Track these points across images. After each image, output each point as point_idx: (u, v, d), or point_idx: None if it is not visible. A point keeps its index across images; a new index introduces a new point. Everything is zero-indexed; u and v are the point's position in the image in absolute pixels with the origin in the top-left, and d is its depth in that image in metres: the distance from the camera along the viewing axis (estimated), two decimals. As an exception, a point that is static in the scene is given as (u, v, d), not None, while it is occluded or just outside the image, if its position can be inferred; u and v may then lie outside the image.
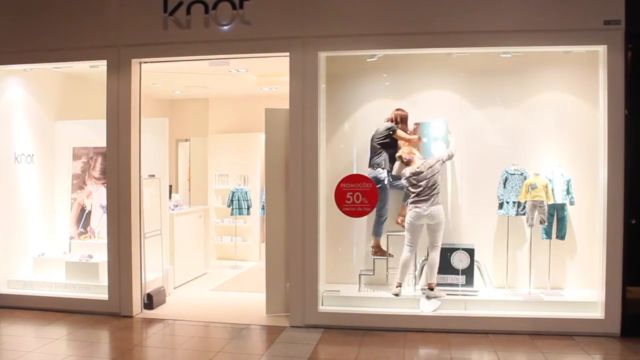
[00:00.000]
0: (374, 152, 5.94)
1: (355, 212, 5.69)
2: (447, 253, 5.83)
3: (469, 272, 5.81)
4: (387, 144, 5.89)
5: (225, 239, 9.63)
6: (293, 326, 5.64)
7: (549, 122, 5.99)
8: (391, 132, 5.86)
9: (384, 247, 6.02)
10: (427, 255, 5.73)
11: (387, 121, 5.95)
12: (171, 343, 5.36)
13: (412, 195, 5.63)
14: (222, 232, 9.73)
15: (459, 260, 5.82)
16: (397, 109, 5.99)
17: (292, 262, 5.72)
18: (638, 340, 5.15)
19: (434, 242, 5.62)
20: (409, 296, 5.74)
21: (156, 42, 5.89)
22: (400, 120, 5.95)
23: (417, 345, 5.12)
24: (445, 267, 5.81)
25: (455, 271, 5.82)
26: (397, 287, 5.65)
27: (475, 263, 5.85)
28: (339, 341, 5.26)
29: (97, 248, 6.70)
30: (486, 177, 6.00)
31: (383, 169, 5.87)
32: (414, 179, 5.61)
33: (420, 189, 5.58)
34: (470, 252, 5.83)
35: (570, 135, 5.92)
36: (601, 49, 5.32)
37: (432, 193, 5.56)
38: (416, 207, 5.59)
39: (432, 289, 5.57)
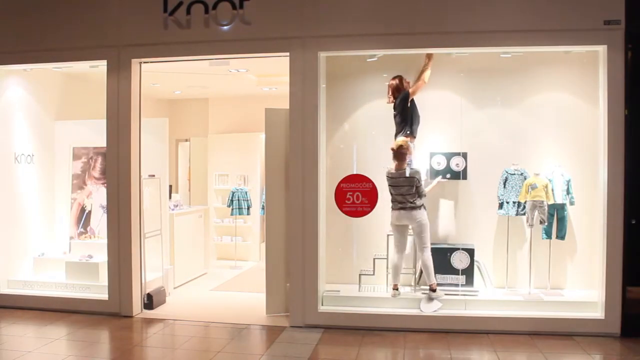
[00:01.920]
0: (398, 126, 5.78)
1: (355, 212, 5.69)
2: (447, 253, 5.83)
3: (469, 272, 5.81)
4: (406, 112, 5.72)
5: (225, 239, 9.63)
6: (293, 326, 5.64)
7: (549, 122, 5.98)
8: (408, 99, 5.69)
9: None
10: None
11: (390, 97, 5.80)
12: (171, 343, 5.36)
13: (391, 196, 5.65)
14: (222, 232, 9.73)
15: (459, 260, 5.82)
16: (392, 78, 5.82)
17: (292, 262, 5.71)
18: (638, 340, 5.15)
19: (421, 243, 5.60)
20: (409, 296, 5.75)
21: (156, 42, 5.89)
22: (395, 90, 5.77)
23: (417, 345, 5.12)
24: (445, 267, 5.81)
25: (455, 271, 5.81)
26: (393, 289, 5.66)
27: (475, 263, 5.85)
28: (339, 341, 5.26)
29: (97, 248, 6.70)
30: (486, 177, 5.99)
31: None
32: (391, 182, 5.64)
33: (396, 194, 5.60)
34: (470, 252, 5.83)
35: (570, 135, 5.92)
36: (601, 49, 5.32)
37: (408, 200, 5.55)
38: (395, 208, 5.63)
39: (434, 290, 5.56)
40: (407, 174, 5.57)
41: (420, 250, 5.64)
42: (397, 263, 5.70)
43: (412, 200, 5.55)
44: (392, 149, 5.62)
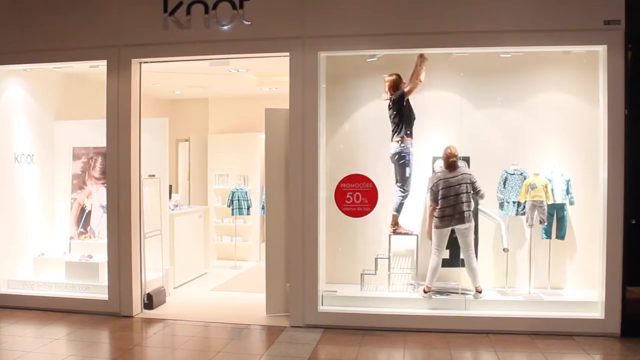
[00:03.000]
0: (396, 126, 5.77)
1: (355, 212, 5.69)
2: None
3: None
4: (403, 112, 5.72)
5: (225, 239, 9.63)
6: (293, 326, 5.63)
7: (549, 122, 5.99)
8: (404, 98, 5.69)
9: (403, 225, 5.92)
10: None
11: (386, 93, 5.81)
12: (171, 343, 5.36)
13: (441, 201, 5.64)
14: (222, 232, 9.73)
15: None
16: (389, 75, 5.82)
17: (292, 262, 5.71)
18: (638, 340, 5.15)
19: (468, 246, 5.64)
20: (408, 296, 5.76)
21: (156, 42, 5.89)
22: (393, 87, 5.79)
23: (417, 345, 5.12)
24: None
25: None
26: (425, 292, 5.67)
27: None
28: (339, 341, 5.26)
29: (97, 248, 6.70)
30: (486, 177, 5.98)
31: (404, 143, 5.73)
32: (445, 184, 5.63)
33: (452, 195, 5.59)
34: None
35: (570, 135, 5.92)
36: (601, 49, 5.32)
37: (463, 201, 5.57)
38: (446, 213, 5.62)
39: (480, 292, 5.63)
40: (464, 174, 5.62)
41: (466, 253, 5.65)
42: (438, 265, 5.70)
43: (466, 201, 5.58)
44: (447, 156, 5.65)
